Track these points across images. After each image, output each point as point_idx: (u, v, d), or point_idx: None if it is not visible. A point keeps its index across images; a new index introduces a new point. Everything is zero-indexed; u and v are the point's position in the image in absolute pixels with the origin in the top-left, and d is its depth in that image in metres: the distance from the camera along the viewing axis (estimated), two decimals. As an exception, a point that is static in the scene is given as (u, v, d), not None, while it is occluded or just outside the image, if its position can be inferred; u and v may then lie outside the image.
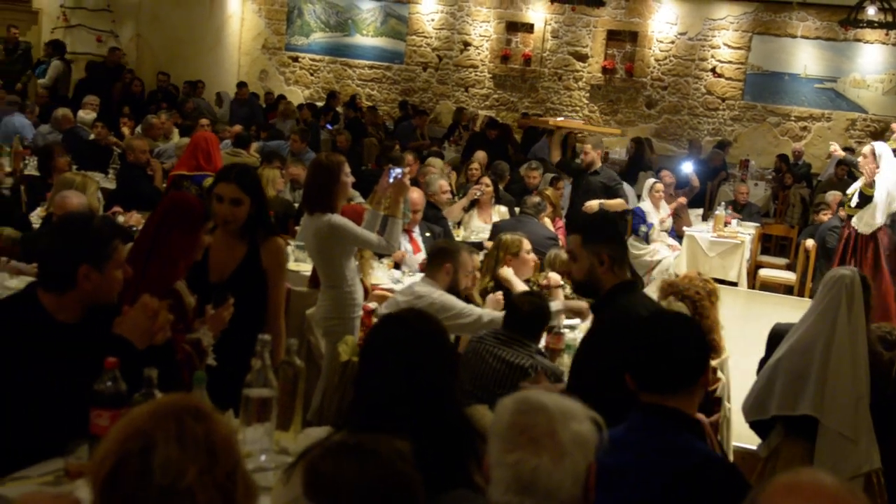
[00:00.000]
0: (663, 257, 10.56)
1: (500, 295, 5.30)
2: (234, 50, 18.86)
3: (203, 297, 3.91)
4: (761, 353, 4.79)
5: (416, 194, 6.99)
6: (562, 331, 5.07)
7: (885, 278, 8.94)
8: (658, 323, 2.99)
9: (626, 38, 16.62)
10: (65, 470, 2.72)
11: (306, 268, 6.31)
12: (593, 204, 9.27)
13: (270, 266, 4.26)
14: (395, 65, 18.14)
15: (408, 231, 6.90)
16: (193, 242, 3.87)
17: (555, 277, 5.87)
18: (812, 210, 12.43)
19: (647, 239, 10.66)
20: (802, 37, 15.53)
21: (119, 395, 2.69)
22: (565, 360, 4.98)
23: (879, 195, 8.86)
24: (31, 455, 2.81)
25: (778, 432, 4.40)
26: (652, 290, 6.54)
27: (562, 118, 14.85)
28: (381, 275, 6.56)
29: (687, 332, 2.87)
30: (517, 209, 8.85)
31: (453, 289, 5.10)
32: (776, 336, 4.65)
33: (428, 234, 7.15)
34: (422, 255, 6.90)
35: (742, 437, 5.11)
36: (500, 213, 9.12)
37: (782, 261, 12.37)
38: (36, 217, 7.07)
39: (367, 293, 5.66)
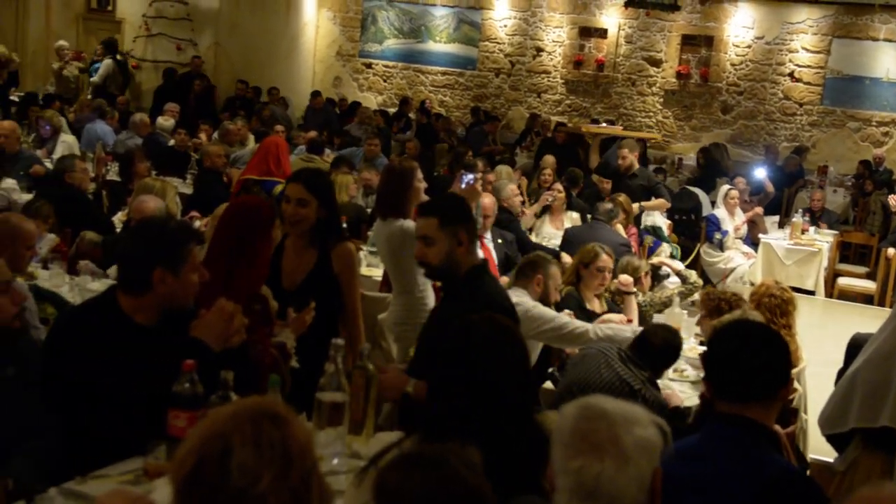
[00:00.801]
0: (738, 265, 10.40)
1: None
2: (308, 57, 19.10)
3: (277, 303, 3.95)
4: (839, 363, 4.67)
5: (488, 200, 6.99)
6: None
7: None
8: (740, 331, 2.94)
9: (701, 42, 16.40)
10: (143, 469, 2.77)
11: (378, 273, 6.36)
12: (634, 207, 9.22)
13: (342, 271, 4.30)
14: (467, 71, 18.17)
15: (479, 237, 6.89)
16: (270, 243, 3.93)
17: (626, 279, 5.83)
18: (894, 217, 12.11)
19: (721, 246, 10.51)
20: (885, 40, 15.13)
21: (196, 396, 2.74)
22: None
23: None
24: (112, 454, 2.87)
25: (856, 445, 4.29)
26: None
27: (604, 124, 14.75)
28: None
29: (770, 342, 2.82)
30: (589, 216, 8.79)
31: (544, 300, 5.08)
32: (855, 346, 4.54)
33: (500, 241, 7.14)
34: (493, 261, 6.93)
35: (819, 449, 5.00)
36: (571, 219, 9.08)
37: (862, 269, 12.08)
38: (117, 221, 7.24)
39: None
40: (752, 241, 10.94)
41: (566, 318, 5.02)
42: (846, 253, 12.67)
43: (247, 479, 1.66)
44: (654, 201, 9.48)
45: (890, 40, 15.12)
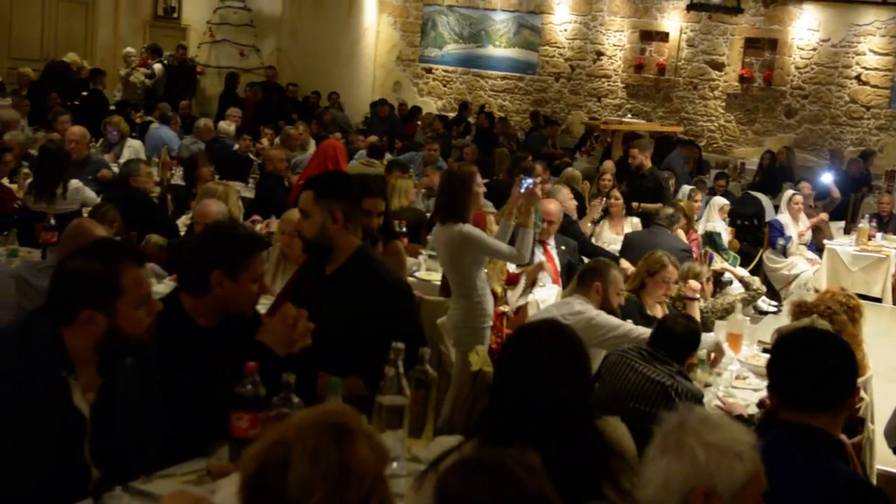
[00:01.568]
0: (801, 271, 10.22)
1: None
2: (369, 62, 19.23)
3: None
4: (907, 372, 4.58)
5: (552, 205, 6.96)
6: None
7: None
8: (808, 340, 2.90)
9: (764, 45, 16.17)
10: (207, 470, 2.81)
11: (436, 277, 6.37)
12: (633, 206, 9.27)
13: (396, 269, 4.33)
14: (527, 75, 18.14)
15: (542, 242, 6.88)
16: None
17: (695, 284, 5.77)
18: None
19: (784, 252, 10.35)
20: (955, 42, 14.80)
21: (258, 398, 2.77)
22: (698, 374, 4.90)
23: None
24: (176, 453, 2.91)
25: (924, 456, 4.20)
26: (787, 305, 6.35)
27: (629, 118, 14.70)
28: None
29: (838, 351, 2.78)
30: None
31: (606, 306, 5.05)
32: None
33: (563, 248, 7.12)
34: (556, 268, 6.94)
35: (886, 460, 4.89)
36: (632, 224, 9.01)
37: (932, 276, 11.78)
38: (181, 224, 7.35)
39: (496, 301, 5.68)
40: (817, 247, 10.75)
41: (630, 324, 4.99)
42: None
43: (301, 492, 1.64)
44: (652, 204, 9.49)
45: (961, 42, 14.76)
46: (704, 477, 2.10)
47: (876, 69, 15.36)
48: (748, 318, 6.13)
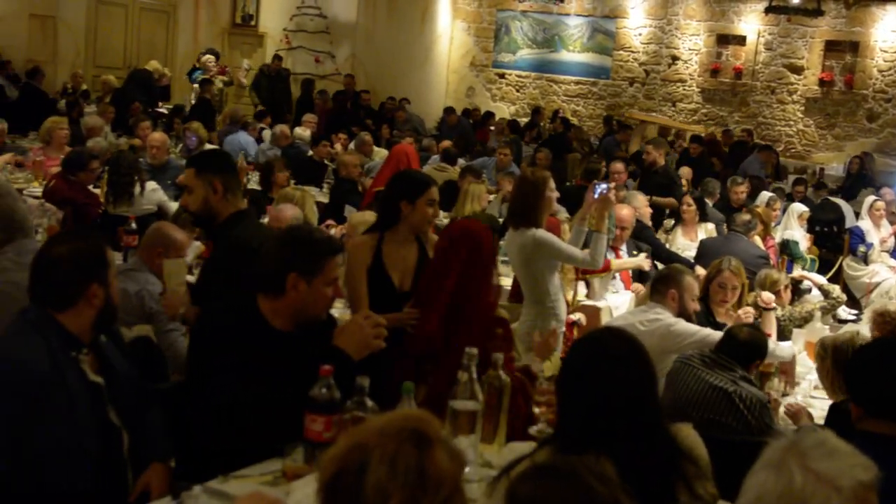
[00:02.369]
0: (884, 279, 9.96)
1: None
2: (442, 68, 19.31)
3: (389, 304, 3.99)
4: None
5: (625, 211, 6.92)
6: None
7: None
8: (891, 350, 2.85)
9: (845, 48, 15.82)
10: (282, 471, 2.85)
11: (507, 281, 6.36)
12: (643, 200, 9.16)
13: None
14: (601, 80, 18.03)
15: (615, 248, 6.84)
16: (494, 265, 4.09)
17: (768, 296, 5.66)
18: None
19: (865, 259, 10.11)
20: None
21: (333, 401, 2.79)
22: (774, 384, 4.82)
23: None
24: (253, 454, 2.96)
25: None
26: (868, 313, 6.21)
27: (655, 113, 14.55)
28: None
29: None
30: (725, 226, 8.60)
31: (683, 314, 4.99)
32: None
33: (635, 253, 7.07)
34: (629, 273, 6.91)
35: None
36: (706, 230, 8.90)
37: None
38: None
39: (568, 307, 5.65)
40: (901, 255, 10.47)
41: (708, 330, 4.92)
42: None
43: (378, 497, 1.64)
44: (665, 199, 9.62)
45: None
46: (796, 502, 2.04)
47: (963, 72, 14.94)
48: (827, 327, 5.99)
